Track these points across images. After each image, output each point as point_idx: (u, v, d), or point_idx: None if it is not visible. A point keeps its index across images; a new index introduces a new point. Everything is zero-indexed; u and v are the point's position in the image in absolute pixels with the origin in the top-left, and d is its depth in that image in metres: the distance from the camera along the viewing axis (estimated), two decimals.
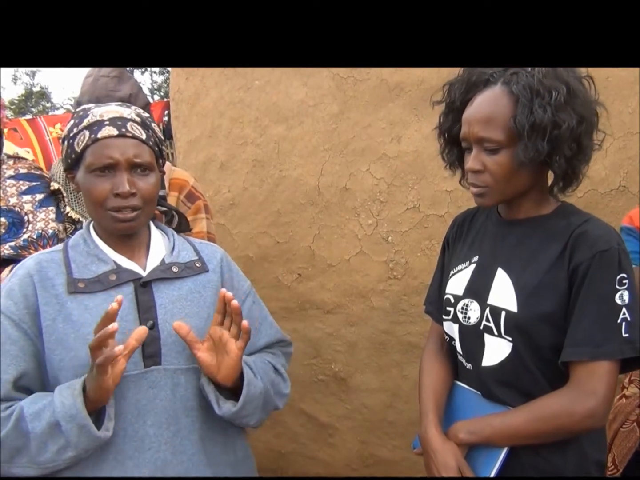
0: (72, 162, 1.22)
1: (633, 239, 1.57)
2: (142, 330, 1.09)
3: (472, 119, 1.17)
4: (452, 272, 1.35)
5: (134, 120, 1.21)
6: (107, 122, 1.18)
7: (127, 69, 2.12)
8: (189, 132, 2.90)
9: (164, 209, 1.45)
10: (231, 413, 1.19)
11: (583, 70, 1.19)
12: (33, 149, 7.04)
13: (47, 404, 1.08)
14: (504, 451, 1.17)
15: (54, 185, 1.88)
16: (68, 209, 1.87)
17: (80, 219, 1.86)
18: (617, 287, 1.11)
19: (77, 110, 1.25)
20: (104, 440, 1.09)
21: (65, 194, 1.89)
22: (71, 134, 1.21)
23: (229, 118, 2.69)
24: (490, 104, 1.15)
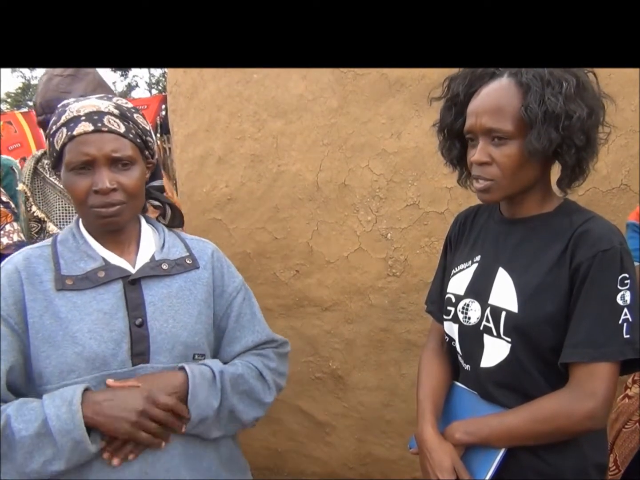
0: (55, 161, 1.21)
1: (638, 235, 1.54)
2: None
3: (479, 109, 1.15)
4: (454, 272, 1.34)
5: (111, 114, 1.18)
6: (84, 118, 1.15)
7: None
8: (186, 125, 2.87)
9: (156, 203, 1.42)
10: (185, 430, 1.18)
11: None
12: (27, 142, 7.02)
13: (36, 414, 1.06)
14: (501, 452, 1.16)
15: (20, 186, 1.88)
16: (34, 208, 1.86)
17: (45, 219, 1.85)
18: (619, 287, 1.09)
19: (59, 105, 1.22)
20: (93, 455, 1.09)
21: (29, 194, 1.88)
22: (52, 132, 1.19)
23: (227, 112, 2.66)
24: (498, 94, 1.13)
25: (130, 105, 1.24)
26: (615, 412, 1.61)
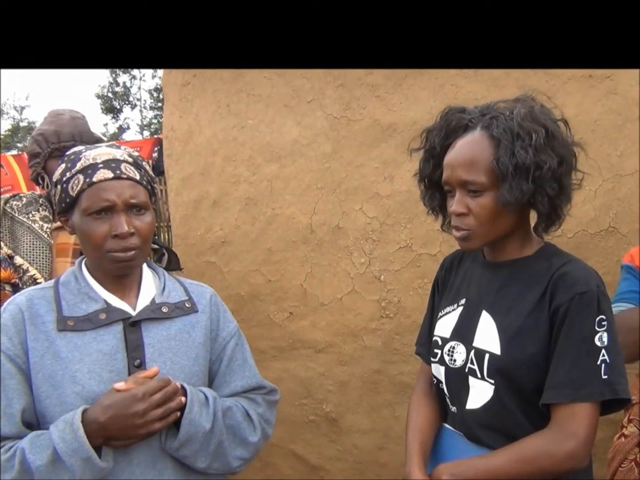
0: (67, 206, 1.23)
1: (633, 277, 1.56)
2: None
3: (454, 162, 1.19)
4: (440, 314, 1.37)
5: (126, 161, 1.22)
6: (101, 165, 1.19)
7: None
8: (181, 169, 2.91)
9: (156, 246, 1.45)
10: (171, 449, 1.18)
11: (558, 113, 1.23)
12: (18, 185, 7.01)
13: (46, 443, 1.08)
14: None
15: None
16: (2, 244, 1.91)
17: (13, 254, 1.91)
18: (597, 328, 1.13)
19: (68, 153, 1.26)
20: (107, 471, 1.11)
21: None
22: (64, 178, 1.21)
23: (222, 156, 2.71)
24: (471, 147, 1.18)
25: (137, 153, 1.29)
26: (611, 451, 1.61)
